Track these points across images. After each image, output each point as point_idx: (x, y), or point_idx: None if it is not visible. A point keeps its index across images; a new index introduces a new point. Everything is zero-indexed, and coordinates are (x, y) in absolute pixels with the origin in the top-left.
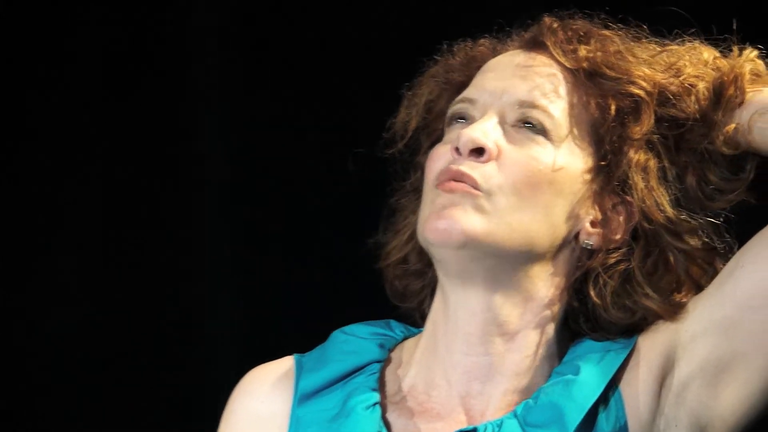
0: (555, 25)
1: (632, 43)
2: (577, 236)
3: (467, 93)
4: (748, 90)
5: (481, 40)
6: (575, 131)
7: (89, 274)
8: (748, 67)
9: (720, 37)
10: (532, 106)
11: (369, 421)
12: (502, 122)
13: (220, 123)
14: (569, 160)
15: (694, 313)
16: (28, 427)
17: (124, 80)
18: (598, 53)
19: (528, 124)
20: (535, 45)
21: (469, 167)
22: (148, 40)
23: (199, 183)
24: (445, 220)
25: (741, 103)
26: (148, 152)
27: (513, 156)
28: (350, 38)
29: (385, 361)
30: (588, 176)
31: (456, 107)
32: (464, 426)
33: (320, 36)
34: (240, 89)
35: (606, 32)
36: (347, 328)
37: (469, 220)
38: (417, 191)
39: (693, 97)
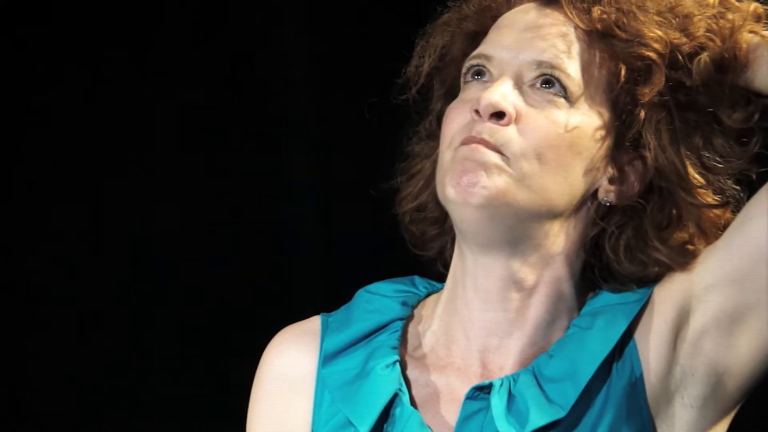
0: None
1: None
2: (595, 193)
3: (483, 49)
4: (751, 47)
5: None
6: (590, 91)
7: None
8: (748, 27)
9: None
10: (550, 66)
11: (389, 380)
12: (519, 82)
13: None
14: (586, 120)
15: (707, 264)
16: None
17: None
18: (612, 14)
19: (545, 85)
20: (550, 2)
21: (490, 132)
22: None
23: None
24: (467, 177)
25: (745, 67)
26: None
27: (533, 119)
28: None
29: (408, 318)
30: (604, 135)
31: (472, 62)
32: (481, 381)
33: None
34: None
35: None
36: (371, 287)
37: (491, 180)
38: (431, 137)
39: (701, 62)
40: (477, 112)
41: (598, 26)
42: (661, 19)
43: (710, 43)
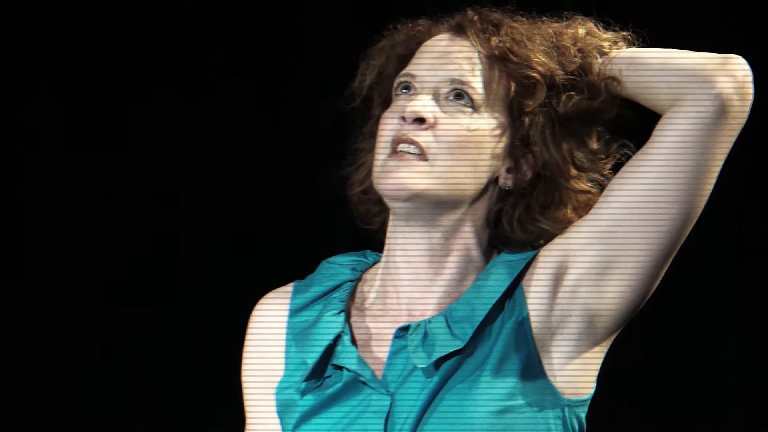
0: (475, 17)
1: (534, 31)
2: (496, 180)
3: (409, 69)
4: (594, 53)
5: (419, 22)
6: (490, 102)
7: None
8: (582, 32)
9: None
10: (460, 82)
11: (334, 325)
12: (437, 96)
13: None
14: (487, 123)
15: (581, 229)
16: None
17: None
18: (507, 42)
19: (456, 97)
20: (460, 31)
21: (414, 134)
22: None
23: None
24: (394, 180)
25: (606, 90)
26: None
27: (446, 124)
28: None
29: (356, 280)
30: (501, 135)
31: (401, 79)
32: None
33: None
34: None
35: (514, 23)
36: (332, 258)
37: (413, 180)
38: (372, 135)
39: (570, 98)
40: (403, 118)
41: (496, 52)
42: (544, 48)
43: (577, 79)
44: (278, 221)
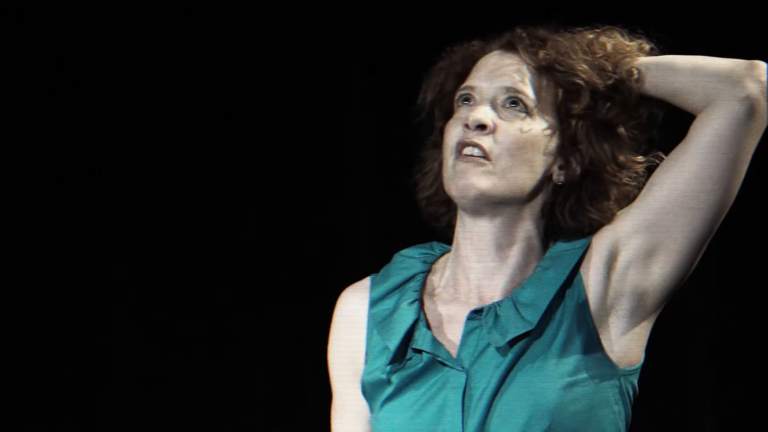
0: (523, 34)
1: (575, 44)
2: (549, 177)
3: (469, 82)
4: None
5: (473, 42)
6: (541, 106)
7: None
8: (612, 43)
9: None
10: (514, 90)
11: (410, 312)
12: (494, 104)
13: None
14: (540, 126)
15: (627, 218)
16: None
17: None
18: (552, 54)
19: (512, 104)
20: (510, 47)
21: (477, 138)
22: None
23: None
24: (464, 181)
25: (636, 87)
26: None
27: (505, 128)
28: None
29: (428, 272)
30: (552, 135)
31: (462, 92)
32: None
33: None
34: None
35: (558, 38)
36: (403, 252)
37: (480, 180)
38: (436, 146)
39: (608, 102)
40: (467, 126)
41: (543, 63)
42: (586, 59)
43: (615, 86)
44: None
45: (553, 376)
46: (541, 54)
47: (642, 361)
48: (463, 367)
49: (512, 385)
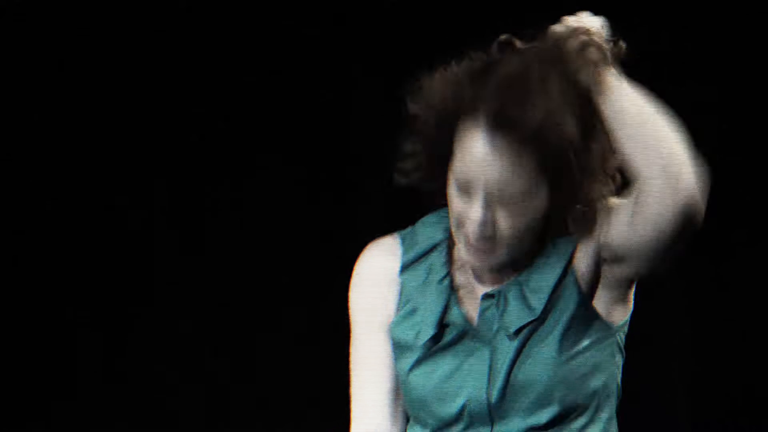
0: (505, 108)
1: (553, 84)
2: (547, 212)
3: (463, 174)
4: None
5: (457, 87)
6: (530, 177)
7: None
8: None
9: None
10: (507, 184)
11: (443, 292)
12: (491, 197)
13: None
14: (538, 198)
15: (601, 232)
16: None
17: None
18: (535, 123)
19: (507, 195)
20: (495, 127)
21: (482, 240)
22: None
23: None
24: (479, 264)
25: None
26: None
27: (504, 216)
28: None
29: (448, 239)
30: (544, 187)
31: (459, 180)
32: (492, 286)
33: None
34: None
35: (537, 88)
36: (425, 219)
37: (494, 259)
38: (416, 135)
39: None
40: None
41: (528, 138)
42: (564, 106)
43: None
44: None
45: (561, 349)
46: (525, 130)
47: (632, 309)
48: (486, 341)
49: (527, 361)
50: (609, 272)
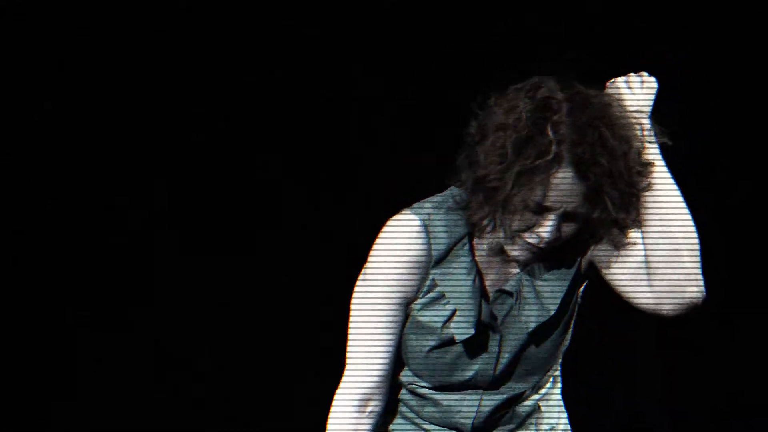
0: (585, 154)
1: (617, 155)
2: None
3: (544, 200)
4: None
5: (552, 146)
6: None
7: None
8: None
9: None
10: (579, 210)
11: (475, 290)
12: (562, 218)
13: None
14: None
15: (599, 254)
16: None
17: None
18: (601, 176)
19: (576, 218)
20: (578, 170)
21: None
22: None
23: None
24: (529, 261)
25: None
26: None
27: (567, 231)
28: None
29: (470, 233)
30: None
31: (539, 204)
32: (505, 278)
33: None
34: None
35: (609, 145)
36: (436, 203)
37: (536, 260)
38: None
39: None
40: (540, 238)
41: (594, 187)
42: (621, 173)
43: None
44: None
45: (560, 334)
46: (593, 177)
47: None
48: (498, 330)
49: (532, 346)
50: (600, 278)
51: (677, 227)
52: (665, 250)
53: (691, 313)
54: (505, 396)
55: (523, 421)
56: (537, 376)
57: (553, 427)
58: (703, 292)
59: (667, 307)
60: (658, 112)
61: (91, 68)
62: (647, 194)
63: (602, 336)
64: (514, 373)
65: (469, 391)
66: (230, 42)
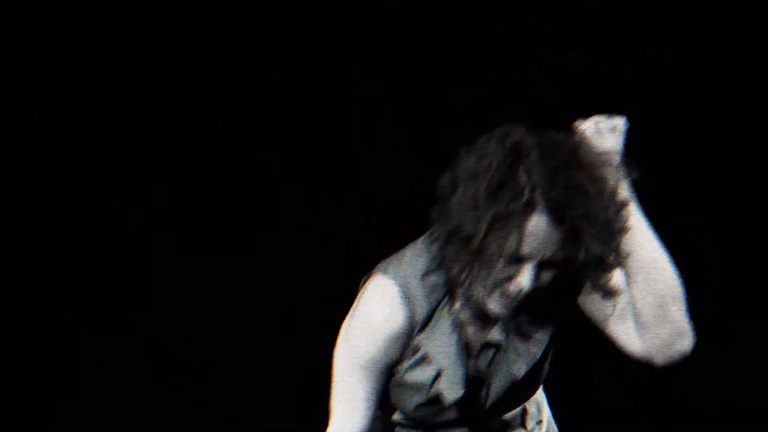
0: (561, 198)
1: (593, 192)
2: None
3: (520, 249)
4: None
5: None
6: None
7: None
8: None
9: None
10: (557, 255)
11: (460, 349)
12: (537, 267)
13: None
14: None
15: (586, 294)
16: None
17: None
18: (577, 218)
19: (554, 263)
20: (553, 213)
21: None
22: None
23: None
24: (508, 312)
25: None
26: None
27: (546, 279)
28: None
29: (449, 293)
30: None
31: (518, 253)
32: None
33: None
34: None
35: (580, 193)
36: (412, 263)
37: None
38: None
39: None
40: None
41: (570, 227)
42: (599, 208)
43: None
44: None
45: (546, 361)
46: (569, 222)
47: None
48: (485, 379)
49: (518, 386)
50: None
51: (660, 282)
52: (652, 307)
53: (683, 362)
54: (492, 422)
55: (509, 423)
56: (524, 402)
57: (539, 422)
58: (693, 341)
59: (659, 360)
60: (627, 153)
61: (91, 68)
62: (626, 245)
63: (593, 342)
64: (501, 407)
65: (458, 429)
66: (230, 42)
